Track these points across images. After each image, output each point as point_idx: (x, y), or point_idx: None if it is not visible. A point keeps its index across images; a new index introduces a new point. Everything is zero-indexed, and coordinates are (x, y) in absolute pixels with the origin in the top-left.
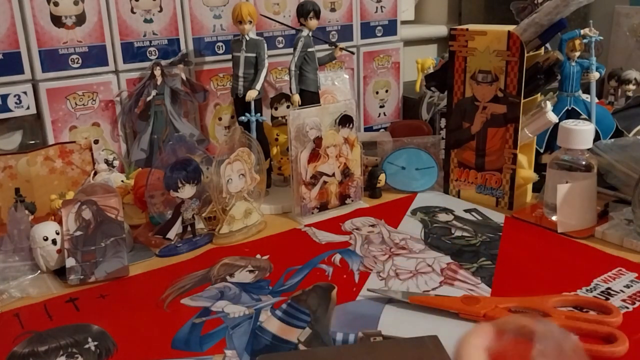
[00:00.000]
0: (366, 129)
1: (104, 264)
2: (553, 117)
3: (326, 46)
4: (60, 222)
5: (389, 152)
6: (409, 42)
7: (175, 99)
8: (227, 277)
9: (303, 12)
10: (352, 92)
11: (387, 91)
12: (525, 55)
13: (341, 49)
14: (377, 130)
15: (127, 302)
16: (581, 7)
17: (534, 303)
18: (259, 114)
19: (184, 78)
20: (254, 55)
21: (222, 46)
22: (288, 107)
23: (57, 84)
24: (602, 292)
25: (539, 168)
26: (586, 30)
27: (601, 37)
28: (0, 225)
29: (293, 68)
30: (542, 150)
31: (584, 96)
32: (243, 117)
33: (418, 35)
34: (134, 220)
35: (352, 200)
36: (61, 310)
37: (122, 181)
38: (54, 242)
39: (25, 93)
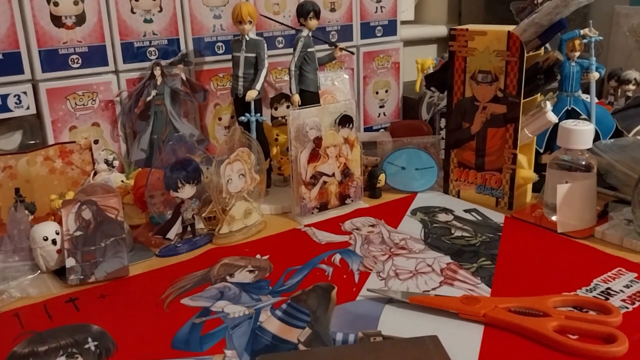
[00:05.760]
0: (366, 129)
1: (104, 264)
2: (553, 117)
3: (326, 46)
4: (60, 222)
5: (389, 152)
6: (408, 42)
7: (175, 99)
8: (227, 277)
9: (303, 12)
10: (352, 92)
11: (387, 91)
12: (525, 55)
13: (341, 49)
14: (377, 130)
15: (127, 302)
16: (581, 7)
17: (534, 303)
18: (258, 114)
19: (184, 78)
20: (253, 55)
21: (222, 46)
22: (288, 107)
23: (57, 84)
24: (601, 292)
25: (539, 168)
26: (586, 31)
27: (601, 37)
28: (0, 225)
29: (293, 68)
30: (542, 150)
31: (584, 96)
32: (243, 117)
33: (418, 35)
34: (134, 220)
35: (352, 200)
36: (61, 310)
37: (122, 181)
38: (54, 242)
39: (25, 93)
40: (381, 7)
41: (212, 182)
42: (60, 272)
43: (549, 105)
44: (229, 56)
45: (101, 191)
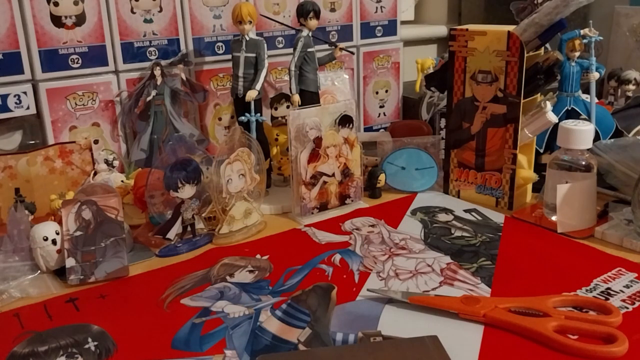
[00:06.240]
0: (366, 129)
1: (104, 264)
2: (553, 117)
3: (326, 46)
4: (60, 222)
5: (389, 152)
6: (408, 42)
7: (175, 99)
8: (227, 277)
9: (303, 12)
10: (352, 92)
11: (387, 91)
12: (525, 55)
13: (341, 49)
14: (377, 130)
15: (127, 302)
16: (581, 7)
17: (534, 303)
18: (258, 114)
19: (184, 78)
20: (253, 55)
21: (222, 46)
22: (288, 107)
23: (57, 84)
24: (601, 292)
25: (539, 168)
26: (586, 31)
27: (601, 37)
28: (0, 225)
29: (293, 68)
30: (542, 150)
31: (584, 96)
32: (243, 117)
33: (418, 35)
34: (134, 220)
35: (352, 200)
36: (61, 310)
37: (122, 181)
38: (54, 242)
39: (25, 93)
40: (381, 7)
41: (212, 182)
42: (60, 272)
43: (549, 105)
44: (229, 56)
45: (101, 191)
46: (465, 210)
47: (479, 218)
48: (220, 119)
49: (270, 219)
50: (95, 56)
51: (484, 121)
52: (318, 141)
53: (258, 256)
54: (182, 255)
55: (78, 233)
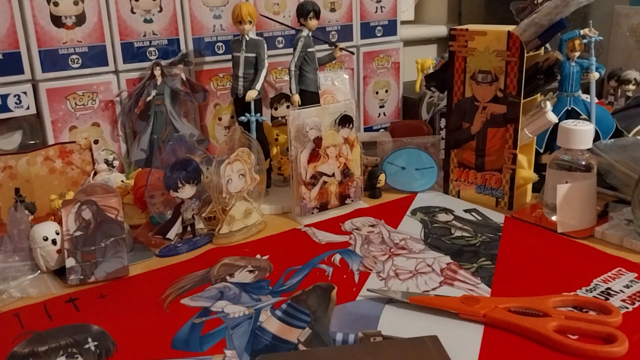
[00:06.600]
0: (366, 129)
1: (104, 264)
2: (553, 117)
3: (326, 46)
4: (60, 222)
5: (389, 152)
6: (408, 42)
7: (175, 99)
8: (227, 277)
9: (303, 12)
10: (352, 92)
11: (387, 91)
12: (525, 55)
13: (341, 49)
14: (377, 130)
15: (127, 302)
16: (581, 7)
17: (534, 303)
18: (258, 114)
19: (184, 78)
20: (253, 55)
21: (222, 46)
22: (288, 107)
23: (57, 84)
24: (601, 292)
25: (539, 168)
26: (586, 31)
27: (601, 37)
28: (0, 225)
29: (293, 68)
30: (542, 150)
31: (584, 96)
32: (243, 117)
33: (418, 35)
34: (134, 220)
35: (352, 201)
36: (61, 310)
37: (122, 181)
38: (54, 242)
39: (25, 93)
40: (381, 7)
41: (212, 182)
42: (60, 272)
43: (549, 105)
44: (229, 56)
45: (101, 191)
46: (465, 210)
47: (479, 218)
48: (220, 119)
49: (270, 219)
50: (95, 56)
51: (484, 121)
52: (318, 141)
53: (258, 256)
54: (182, 255)
55: (78, 233)
